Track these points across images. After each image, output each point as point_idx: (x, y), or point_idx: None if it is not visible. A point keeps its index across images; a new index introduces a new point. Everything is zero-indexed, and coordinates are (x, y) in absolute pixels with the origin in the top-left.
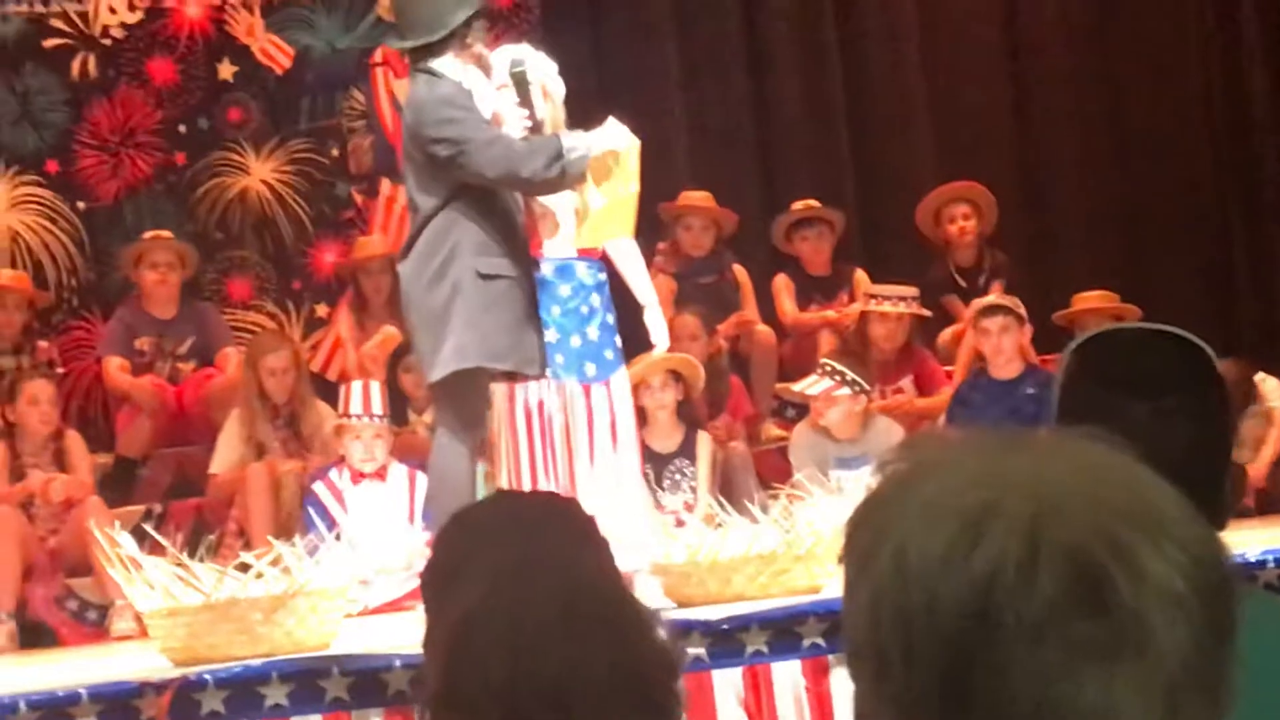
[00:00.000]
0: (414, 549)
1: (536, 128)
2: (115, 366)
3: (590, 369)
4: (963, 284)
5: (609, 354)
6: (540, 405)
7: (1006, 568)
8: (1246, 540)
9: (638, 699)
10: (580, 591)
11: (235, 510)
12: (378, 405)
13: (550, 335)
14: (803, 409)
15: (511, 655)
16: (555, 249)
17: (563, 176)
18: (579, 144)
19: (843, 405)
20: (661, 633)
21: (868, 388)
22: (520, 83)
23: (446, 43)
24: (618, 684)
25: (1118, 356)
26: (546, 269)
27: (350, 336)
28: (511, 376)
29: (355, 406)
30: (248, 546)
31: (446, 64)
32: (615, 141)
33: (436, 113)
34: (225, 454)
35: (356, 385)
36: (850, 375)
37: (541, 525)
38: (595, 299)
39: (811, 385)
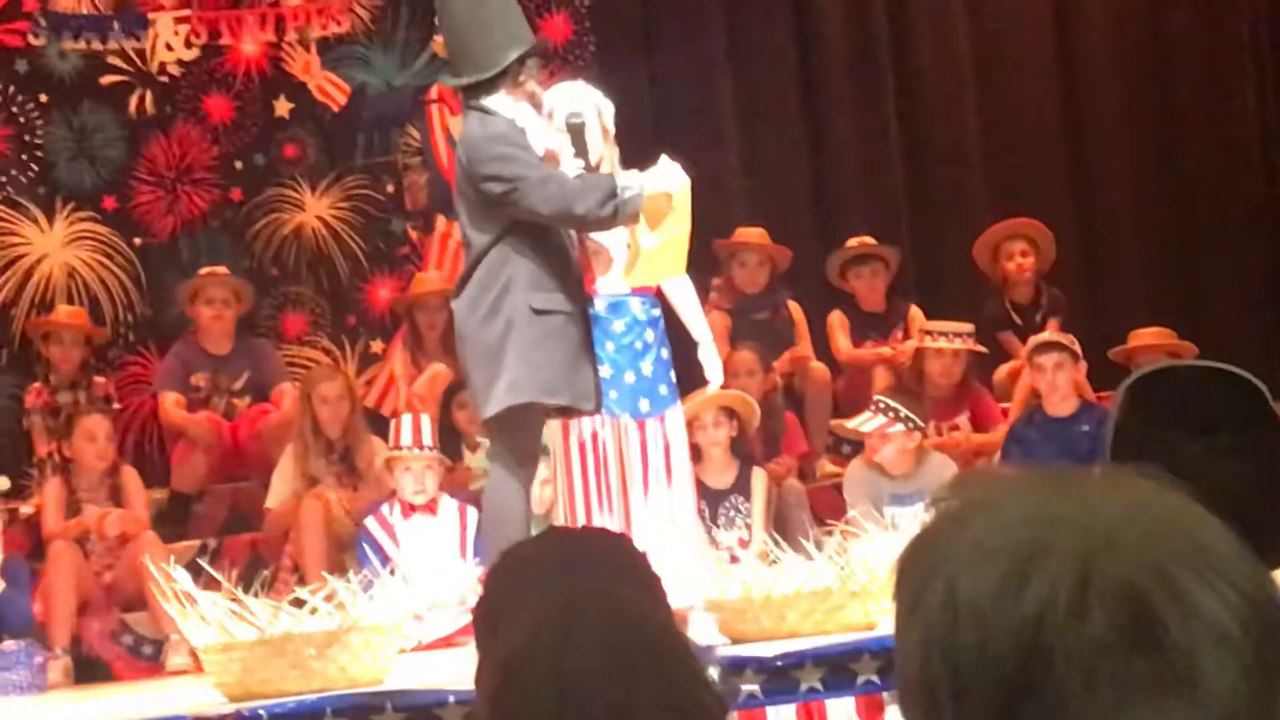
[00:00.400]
0: (466, 584)
1: (593, 168)
2: (171, 402)
3: (644, 404)
4: (1018, 320)
5: (663, 389)
6: (595, 440)
7: (1057, 606)
8: None
9: None
10: (625, 630)
11: (289, 545)
12: (428, 437)
13: (604, 371)
14: (858, 445)
15: (558, 698)
16: (609, 285)
17: (616, 215)
18: (633, 183)
19: (897, 442)
20: (710, 670)
21: (922, 424)
22: (577, 133)
23: (498, 80)
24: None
25: (1172, 394)
26: (600, 305)
27: (404, 373)
28: (566, 412)
29: (405, 438)
30: (302, 581)
31: (499, 101)
32: (668, 183)
33: (489, 150)
34: (280, 488)
35: (406, 418)
36: (904, 412)
37: (589, 563)
38: (649, 334)
39: (865, 422)
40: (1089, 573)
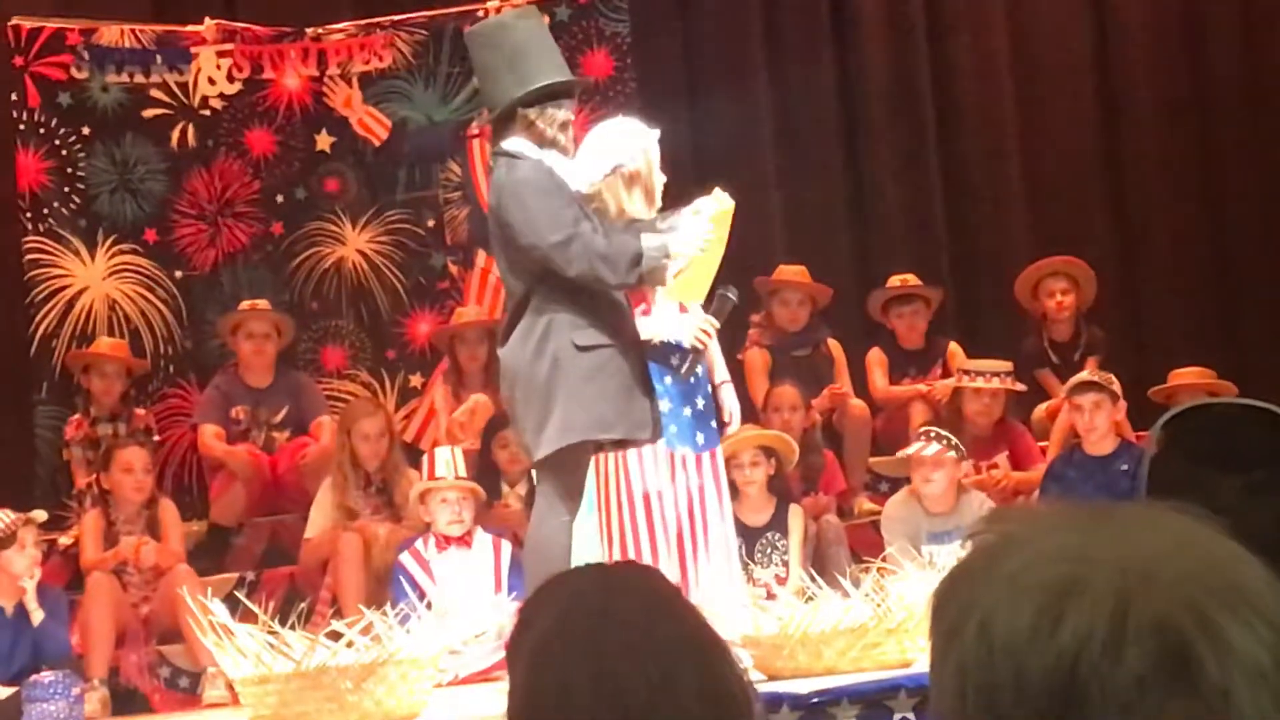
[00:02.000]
0: (503, 618)
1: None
2: (210, 434)
3: (700, 438)
4: (1056, 359)
5: (714, 423)
6: (660, 493)
7: (1093, 642)
8: None
9: None
10: (663, 616)
11: (327, 578)
12: (462, 468)
13: (663, 405)
14: (896, 483)
15: (595, 676)
16: (657, 331)
17: (640, 281)
18: (658, 249)
19: (948, 470)
20: (738, 660)
21: (967, 457)
22: (630, 180)
23: (508, 124)
24: (705, 707)
25: (1208, 431)
26: (656, 338)
27: (444, 407)
28: (622, 444)
29: (440, 469)
30: (339, 615)
31: (521, 144)
32: (693, 248)
33: (514, 199)
34: (319, 520)
35: (442, 450)
36: (954, 440)
37: (626, 586)
38: (701, 369)
39: (920, 449)
40: (1125, 610)
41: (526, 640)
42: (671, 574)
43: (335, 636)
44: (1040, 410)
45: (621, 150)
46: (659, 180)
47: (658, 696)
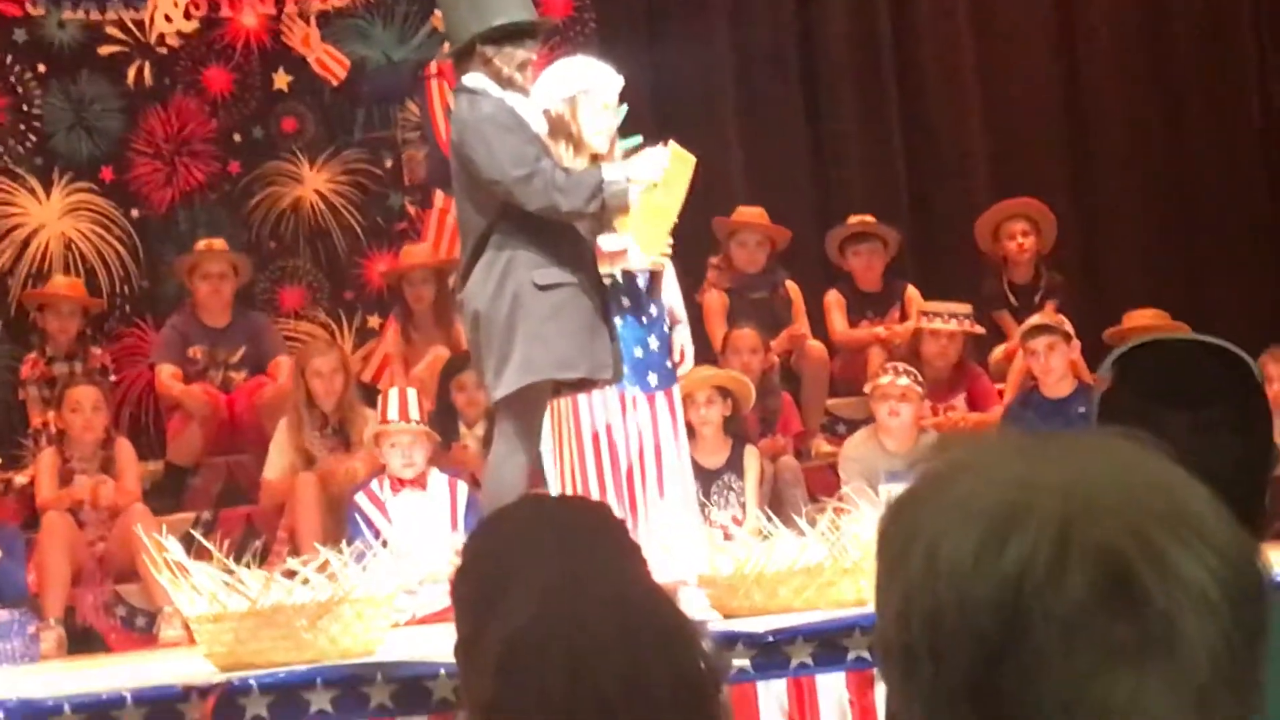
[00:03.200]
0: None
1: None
2: (167, 374)
3: (653, 379)
4: (1015, 301)
5: (668, 364)
6: (609, 427)
7: (1037, 567)
8: None
9: (692, 711)
10: (635, 605)
11: (285, 518)
12: (415, 411)
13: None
14: (853, 425)
15: (569, 670)
16: (617, 264)
17: (603, 210)
18: (619, 176)
19: (913, 404)
20: (707, 643)
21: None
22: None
23: (466, 60)
24: (669, 694)
25: (1158, 367)
26: (608, 279)
27: (396, 349)
28: (583, 384)
29: (392, 413)
30: (296, 554)
31: (481, 81)
32: (654, 172)
33: (475, 136)
34: (277, 461)
35: (394, 392)
36: (918, 376)
37: (585, 535)
38: (654, 309)
39: (890, 380)
40: (1069, 535)
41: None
42: (620, 514)
43: (291, 574)
44: (997, 353)
45: (546, 98)
46: (594, 128)
47: (633, 689)
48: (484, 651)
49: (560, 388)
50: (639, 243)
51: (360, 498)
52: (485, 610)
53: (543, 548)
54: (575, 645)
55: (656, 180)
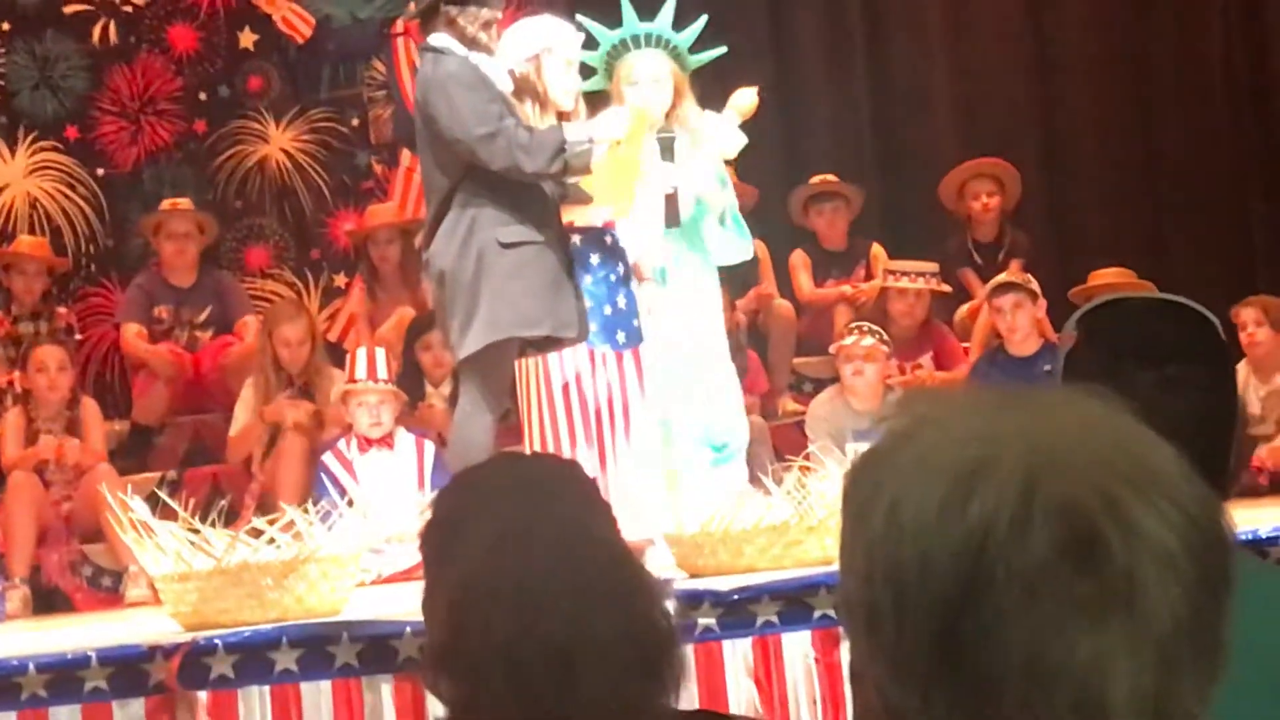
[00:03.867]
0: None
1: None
2: (133, 333)
3: (621, 337)
4: (980, 260)
5: (636, 322)
6: (578, 380)
7: (1000, 522)
8: (1259, 518)
9: (641, 663)
10: (586, 553)
11: (254, 482)
12: (382, 371)
13: (584, 304)
14: (820, 384)
15: (516, 613)
16: (584, 217)
17: (566, 170)
18: (581, 135)
19: (879, 364)
20: (665, 599)
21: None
22: (523, 84)
23: (433, 19)
24: (622, 647)
25: (1123, 325)
26: (576, 237)
27: (362, 310)
28: (549, 343)
29: (360, 372)
30: (263, 514)
31: (446, 40)
32: (618, 129)
33: (437, 95)
34: (243, 418)
35: (361, 351)
36: (885, 335)
37: (546, 488)
38: (622, 267)
39: (856, 340)
40: (1033, 490)
41: (450, 563)
42: (590, 466)
43: (256, 533)
44: (962, 311)
45: (510, 57)
46: (559, 86)
47: (583, 637)
48: (438, 596)
49: (526, 347)
50: (604, 199)
51: (328, 457)
52: (443, 554)
53: (504, 498)
54: (524, 588)
55: (619, 138)
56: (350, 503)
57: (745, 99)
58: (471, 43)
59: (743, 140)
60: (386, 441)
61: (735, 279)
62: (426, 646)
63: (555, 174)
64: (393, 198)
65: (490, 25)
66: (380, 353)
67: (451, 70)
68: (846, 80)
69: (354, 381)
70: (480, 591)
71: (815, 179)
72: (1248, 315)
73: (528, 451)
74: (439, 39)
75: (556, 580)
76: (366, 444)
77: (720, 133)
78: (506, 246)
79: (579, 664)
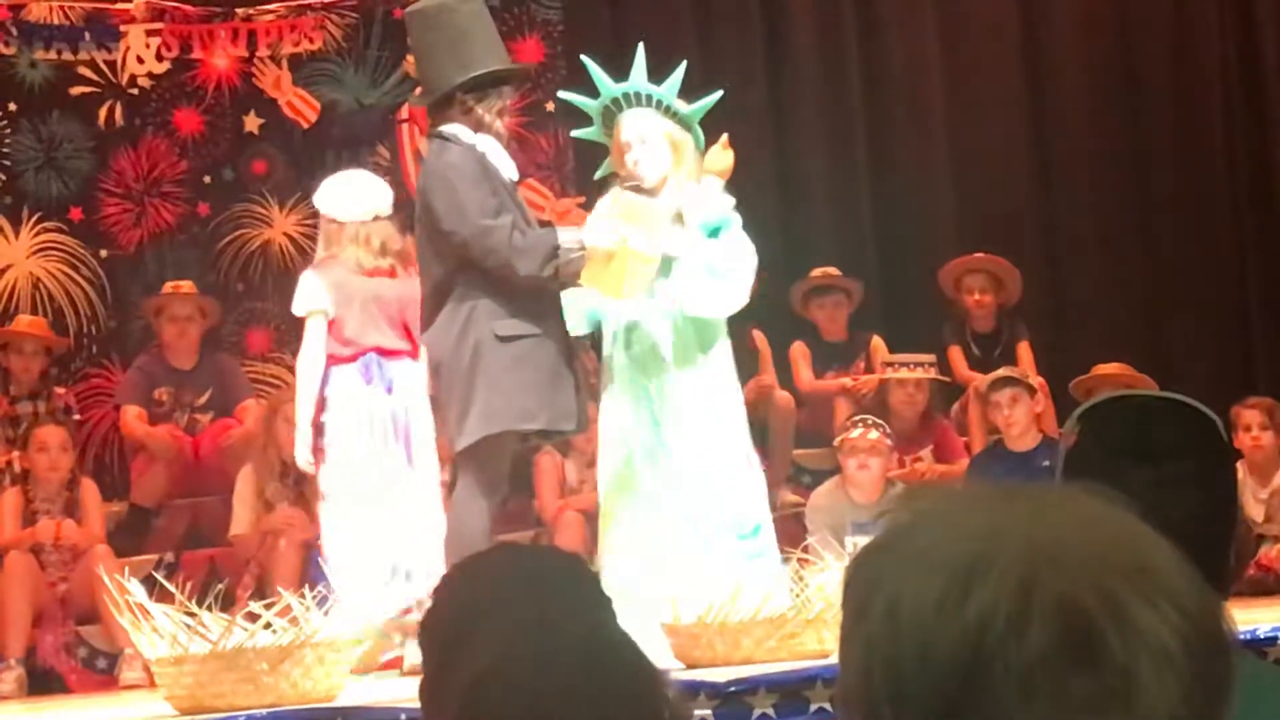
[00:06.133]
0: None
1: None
2: (133, 415)
3: None
4: (977, 351)
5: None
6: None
7: (998, 618)
8: (1259, 618)
9: None
10: (603, 650)
11: (251, 565)
12: None
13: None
14: (819, 476)
15: (535, 712)
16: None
17: (555, 277)
18: (574, 244)
19: (883, 457)
20: (671, 692)
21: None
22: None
23: (445, 107)
24: None
25: (1123, 423)
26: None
27: None
28: (546, 435)
29: None
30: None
31: (456, 128)
32: (610, 239)
33: (440, 182)
34: (242, 515)
35: None
36: (888, 429)
37: (556, 581)
38: None
39: (862, 434)
40: (1031, 587)
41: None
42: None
43: (253, 618)
44: (956, 407)
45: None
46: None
47: None
48: (448, 692)
49: (526, 436)
50: (602, 288)
51: None
52: (451, 651)
53: (512, 591)
54: (541, 687)
55: (614, 248)
56: None
57: (719, 159)
58: (486, 128)
59: (730, 201)
60: None
61: (737, 371)
62: None
63: (546, 279)
64: None
65: (504, 113)
66: None
67: (453, 161)
68: (847, 173)
69: None
70: (497, 689)
71: (816, 271)
72: (1251, 417)
73: (529, 544)
74: (449, 128)
75: (575, 676)
76: None
77: (704, 202)
78: (504, 340)
79: None
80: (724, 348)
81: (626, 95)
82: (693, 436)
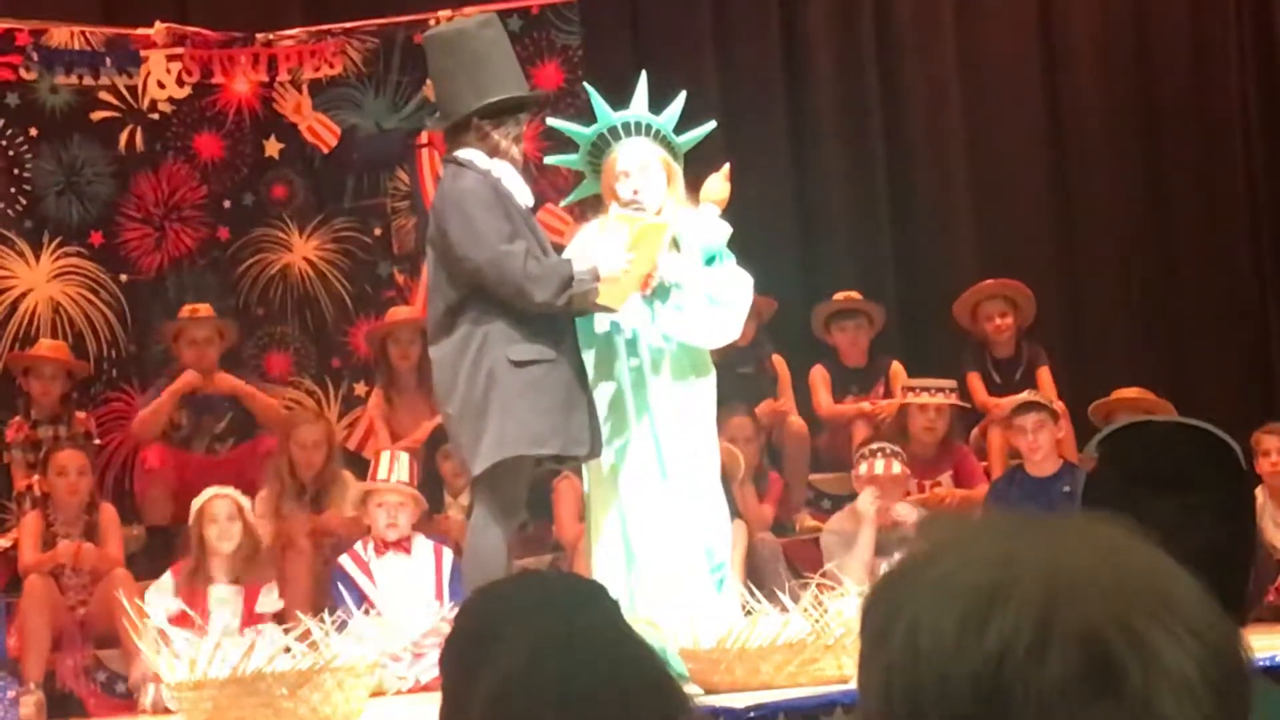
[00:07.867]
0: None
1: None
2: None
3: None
4: (998, 379)
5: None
6: None
7: (1017, 647)
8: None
9: None
10: (627, 661)
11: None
12: (403, 473)
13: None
14: (838, 501)
15: (559, 718)
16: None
17: (569, 306)
18: (587, 274)
19: (901, 489)
20: (693, 707)
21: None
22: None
23: (461, 132)
24: None
25: (1144, 450)
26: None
27: (379, 414)
28: (560, 460)
29: (381, 473)
30: (280, 622)
31: (472, 154)
32: (617, 267)
33: (455, 208)
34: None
35: (385, 454)
36: (903, 455)
37: (577, 602)
38: None
39: (884, 471)
40: (1051, 616)
41: (480, 676)
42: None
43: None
44: (976, 431)
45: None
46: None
47: None
48: (469, 707)
49: (543, 460)
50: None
51: (345, 559)
52: (472, 667)
53: (533, 611)
54: (567, 697)
55: (618, 275)
56: (367, 609)
57: (716, 188)
58: (502, 154)
59: (726, 230)
60: (404, 546)
61: (755, 396)
62: None
63: (560, 308)
64: (414, 305)
65: (520, 139)
66: (404, 456)
67: (468, 186)
68: (867, 197)
69: (374, 480)
70: (521, 701)
71: (838, 295)
72: (1271, 443)
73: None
74: (465, 153)
75: (598, 686)
76: (383, 547)
77: (701, 229)
78: (517, 365)
79: None
80: (710, 381)
81: (625, 124)
82: (677, 457)
